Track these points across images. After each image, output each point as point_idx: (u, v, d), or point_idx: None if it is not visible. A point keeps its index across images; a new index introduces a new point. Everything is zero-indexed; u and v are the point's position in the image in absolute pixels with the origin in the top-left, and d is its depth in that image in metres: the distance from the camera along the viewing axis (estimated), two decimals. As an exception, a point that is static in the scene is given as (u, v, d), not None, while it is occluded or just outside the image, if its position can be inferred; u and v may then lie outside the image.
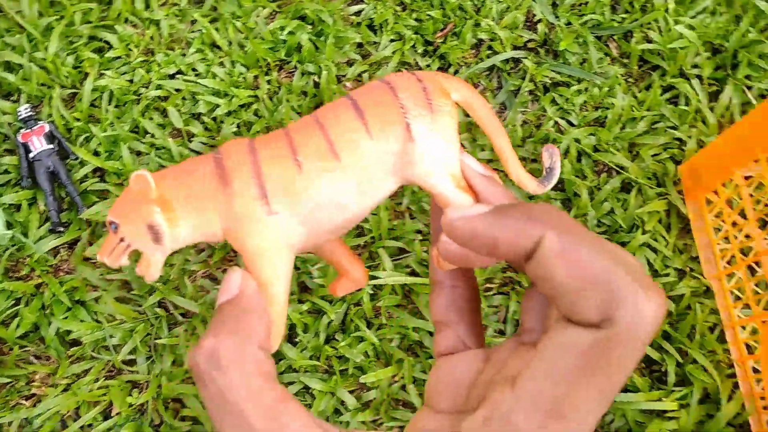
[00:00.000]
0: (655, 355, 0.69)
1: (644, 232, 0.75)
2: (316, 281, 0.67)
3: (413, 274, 0.70)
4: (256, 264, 0.19)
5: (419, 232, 0.72)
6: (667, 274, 0.74)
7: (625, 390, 0.67)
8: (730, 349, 0.69)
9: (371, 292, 0.67)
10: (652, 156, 0.80)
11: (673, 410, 0.67)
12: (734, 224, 0.72)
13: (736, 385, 0.67)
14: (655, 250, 0.75)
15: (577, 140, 0.80)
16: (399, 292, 0.69)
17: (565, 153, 0.79)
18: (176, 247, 0.21)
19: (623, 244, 0.73)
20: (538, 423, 0.13)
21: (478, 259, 0.18)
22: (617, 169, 0.79)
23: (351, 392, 0.65)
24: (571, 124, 0.83)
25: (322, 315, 0.66)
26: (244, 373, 0.16)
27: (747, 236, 0.71)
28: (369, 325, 0.67)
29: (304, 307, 0.66)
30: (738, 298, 0.71)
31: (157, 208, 0.20)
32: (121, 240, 0.20)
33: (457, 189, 0.20)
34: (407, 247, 0.70)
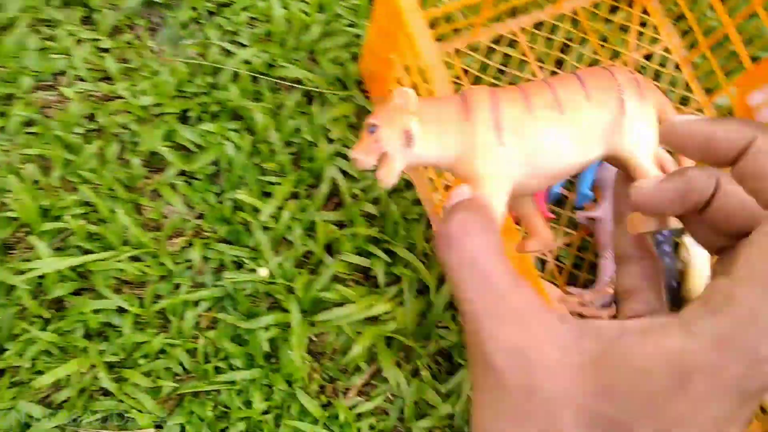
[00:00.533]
0: (364, 261, 0.79)
1: (332, 141, 0.86)
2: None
3: (85, 252, 0.75)
4: (483, 187, 0.26)
5: (84, 204, 0.77)
6: (364, 179, 0.84)
7: (340, 304, 0.78)
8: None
9: (32, 287, 0.71)
10: (332, 60, 0.90)
11: (388, 312, 0.78)
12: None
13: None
14: (347, 158, 0.85)
15: (248, 62, 0.88)
16: (73, 277, 0.73)
17: (235, 76, 0.87)
18: (414, 161, 0.28)
19: (311, 160, 0.83)
20: (761, 293, 0.16)
21: (671, 203, 0.22)
22: (297, 83, 0.88)
23: (39, 401, 0.69)
24: (241, 45, 0.90)
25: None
26: (491, 242, 0.20)
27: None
28: (47, 322, 0.72)
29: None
30: (433, 182, 0.83)
31: (415, 118, 0.27)
32: (376, 142, 0.27)
33: (654, 165, 0.27)
34: (68, 225, 0.75)
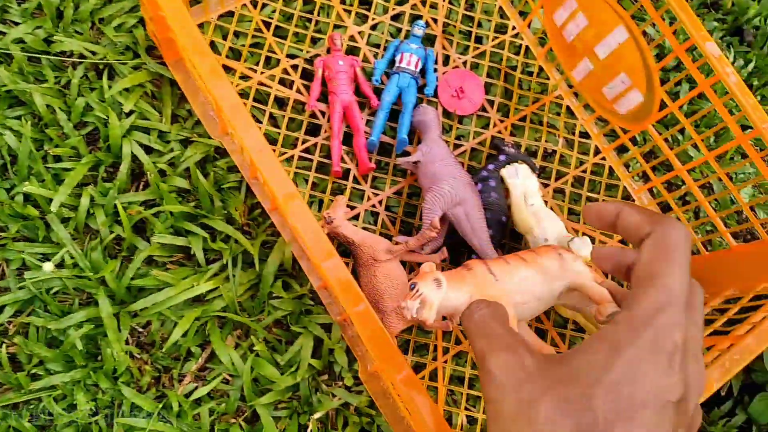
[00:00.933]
0: (179, 240, 0.83)
1: (127, 115, 0.89)
2: None
3: None
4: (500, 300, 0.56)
5: None
6: (170, 150, 0.89)
7: (158, 289, 0.82)
8: (260, 201, 0.85)
9: None
10: (117, 28, 0.93)
11: (213, 289, 0.84)
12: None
13: (278, 235, 0.86)
14: (147, 131, 0.89)
15: (21, 40, 0.89)
16: None
17: (8, 60, 0.88)
18: (444, 302, 0.57)
19: (107, 139, 0.86)
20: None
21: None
22: (80, 60, 0.90)
23: None
24: (14, 23, 0.91)
25: None
26: (496, 315, 0.34)
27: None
28: None
29: None
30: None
31: (439, 272, 0.57)
32: (417, 291, 0.55)
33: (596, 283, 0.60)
34: None
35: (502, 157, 0.87)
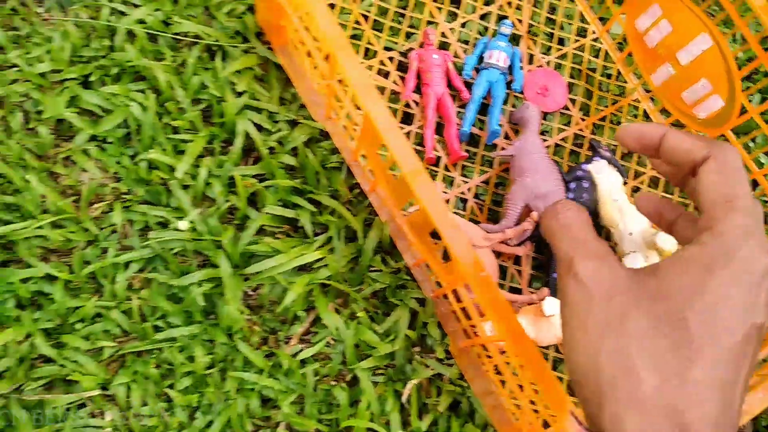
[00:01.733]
0: (289, 213, 0.95)
1: (240, 94, 1.01)
2: None
3: (5, 223, 0.87)
4: None
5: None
6: (279, 130, 1.00)
7: (269, 256, 0.93)
8: (360, 182, 0.96)
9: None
10: (228, 13, 1.05)
11: (320, 259, 0.95)
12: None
13: (375, 214, 0.95)
14: (259, 110, 1.01)
15: (142, 21, 1.01)
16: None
17: (132, 38, 1.00)
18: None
19: (221, 115, 0.98)
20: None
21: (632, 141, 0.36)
22: (196, 39, 1.02)
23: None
24: (134, 5, 1.03)
25: None
26: (581, 218, 0.33)
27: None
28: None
29: None
30: (346, 130, 0.99)
31: None
32: None
33: None
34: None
35: (596, 159, 0.99)
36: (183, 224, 0.86)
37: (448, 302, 0.85)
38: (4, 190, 0.85)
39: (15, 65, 0.92)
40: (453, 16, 1.10)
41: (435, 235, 0.90)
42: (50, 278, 0.83)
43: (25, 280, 0.81)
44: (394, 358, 0.90)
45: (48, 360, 0.81)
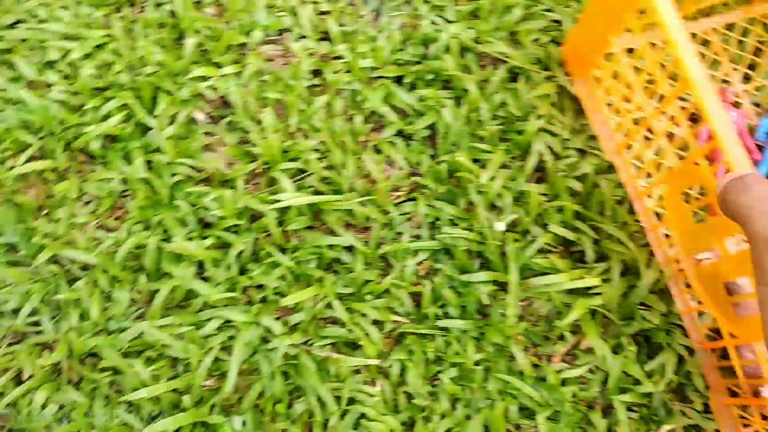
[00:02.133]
0: (570, 235, 1.00)
1: (539, 117, 1.08)
2: (215, 213, 0.92)
3: (317, 193, 0.97)
4: None
5: (316, 150, 0.99)
6: (567, 156, 1.06)
7: (545, 273, 0.98)
8: (641, 219, 0.98)
9: (277, 216, 0.94)
10: (534, 41, 1.13)
11: (596, 286, 0.98)
12: (626, 100, 1.05)
13: (652, 254, 0.95)
14: (553, 134, 1.08)
15: (456, 36, 1.11)
16: (307, 213, 0.96)
17: (447, 49, 1.10)
18: None
19: (520, 133, 1.05)
20: None
21: None
22: (501, 59, 1.11)
23: (276, 319, 0.91)
24: (447, 21, 1.14)
25: (230, 247, 0.92)
26: None
27: (639, 109, 1.05)
28: (283, 251, 0.94)
29: (208, 242, 0.90)
30: (639, 169, 1.04)
31: None
32: None
33: None
34: (305, 167, 0.97)
35: None
36: (500, 225, 0.92)
37: (716, 356, 0.85)
38: (323, 164, 0.94)
39: (341, 57, 1.03)
40: (747, 78, 1.12)
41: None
42: (348, 249, 0.91)
43: (330, 246, 0.90)
44: (651, 398, 0.91)
45: (335, 322, 0.88)
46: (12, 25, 0.98)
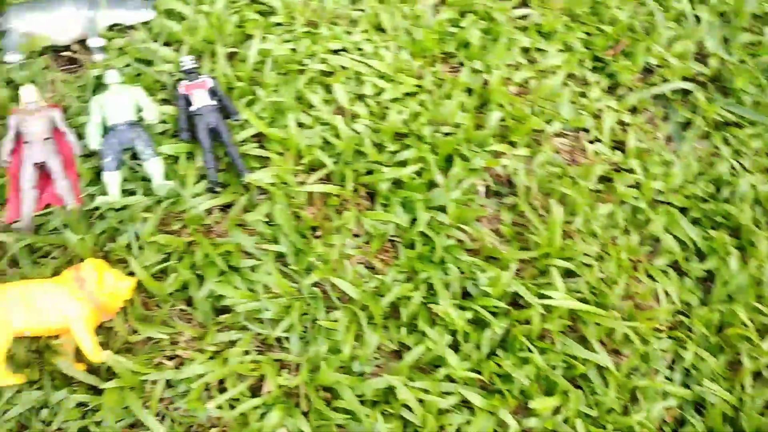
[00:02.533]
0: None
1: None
2: (484, 289, 0.88)
3: (583, 300, 0.92)
4: None
5: (587, 255, 0.95)
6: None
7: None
8: None
9: (542, 312, 0.89)
10: None
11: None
12: None
13: None
14: None
15: (754, 186, 1.06)
16: (565, 316, 0.91)
17: (740, 197, 1.04)
18: None
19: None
20: None
21: None
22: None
23: (513, 415, 0.84)
24: (744, 168, 1.08)
25: (485, 326, 0.88)
26: None
27: None
28: (536, 348, 0.89)
29: (468, 315, 0.87)
30: None
31: None
32: None
33: None
34: (578, 270, 0.93)
35: None
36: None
37: None
38: (597, 275, 0.90)
39: (631, 171, 1.01)
40: None
41: None
42: (599, 368, 0.85)
43: (584, 361, 0.85)
44: None
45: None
46: (337, 51, 1.01)
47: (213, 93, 0.93)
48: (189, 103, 0.92)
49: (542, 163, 0.99)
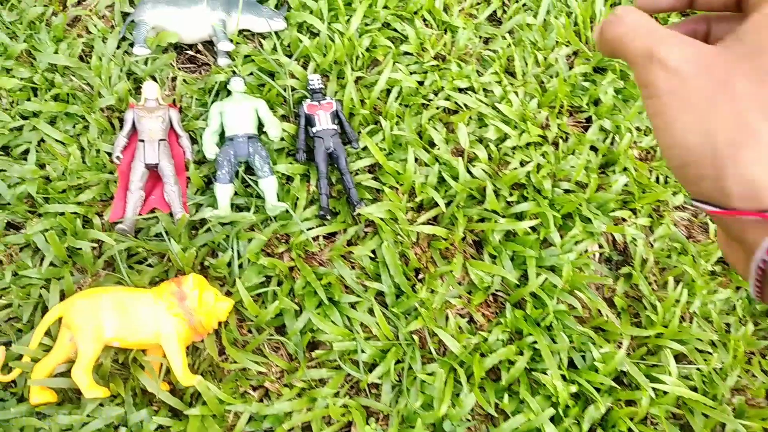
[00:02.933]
0: None
1: None
2: (596, 364, 0.82)
3: (692, 388, 0.85)
4: None
5: (700, 340, 0.88)
6: None
7: None
8: None
9: (653, 395, 0.82)
10: None
11: None
12: None
13: None
14: None
15: None
16: (672, 402, 0.84)
17: None
18: None
19: None
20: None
21: None
22: None
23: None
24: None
25: (589, 402, 0.82)
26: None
27: None
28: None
29: (572, 388, 0.81)
30: None
31: None
32: None
33: None
34: (690, 355, 0.86)
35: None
36: None
37: None
38: (710, 364, 0.84)
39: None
40: None
41: None
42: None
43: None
44: None
45: None
46: (463, 90, 0.97)
47: (335, 116, 0.89)
48: (310, 124, 0.88)
49: (662, 235, 0.93)
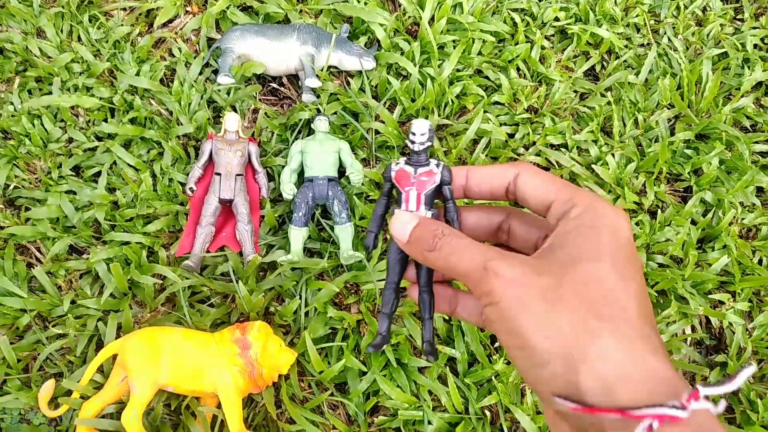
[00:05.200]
0: None
1: None
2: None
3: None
4: None
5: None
6: None
7: None
8: None
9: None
10: None
11: None
12: None
13: None
14: None
15: None
16: None
17: None
18: None
19: None
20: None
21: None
22: None
23: None
24: None
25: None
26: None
27: None
28: None
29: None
30: None
31: None
32: None
33: None
34: None
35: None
36: None
37: None
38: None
39: None
40: None
41: None
42: None
43: None
44: None
45: None
46: (555, 146, 0.91)
47: (434, 197, 0.42)
48: (391, 195, 0.54)
49: (763, 323, 0.85)
